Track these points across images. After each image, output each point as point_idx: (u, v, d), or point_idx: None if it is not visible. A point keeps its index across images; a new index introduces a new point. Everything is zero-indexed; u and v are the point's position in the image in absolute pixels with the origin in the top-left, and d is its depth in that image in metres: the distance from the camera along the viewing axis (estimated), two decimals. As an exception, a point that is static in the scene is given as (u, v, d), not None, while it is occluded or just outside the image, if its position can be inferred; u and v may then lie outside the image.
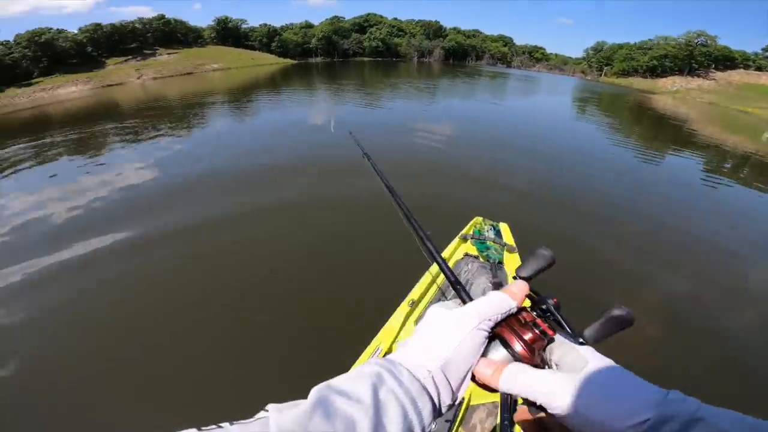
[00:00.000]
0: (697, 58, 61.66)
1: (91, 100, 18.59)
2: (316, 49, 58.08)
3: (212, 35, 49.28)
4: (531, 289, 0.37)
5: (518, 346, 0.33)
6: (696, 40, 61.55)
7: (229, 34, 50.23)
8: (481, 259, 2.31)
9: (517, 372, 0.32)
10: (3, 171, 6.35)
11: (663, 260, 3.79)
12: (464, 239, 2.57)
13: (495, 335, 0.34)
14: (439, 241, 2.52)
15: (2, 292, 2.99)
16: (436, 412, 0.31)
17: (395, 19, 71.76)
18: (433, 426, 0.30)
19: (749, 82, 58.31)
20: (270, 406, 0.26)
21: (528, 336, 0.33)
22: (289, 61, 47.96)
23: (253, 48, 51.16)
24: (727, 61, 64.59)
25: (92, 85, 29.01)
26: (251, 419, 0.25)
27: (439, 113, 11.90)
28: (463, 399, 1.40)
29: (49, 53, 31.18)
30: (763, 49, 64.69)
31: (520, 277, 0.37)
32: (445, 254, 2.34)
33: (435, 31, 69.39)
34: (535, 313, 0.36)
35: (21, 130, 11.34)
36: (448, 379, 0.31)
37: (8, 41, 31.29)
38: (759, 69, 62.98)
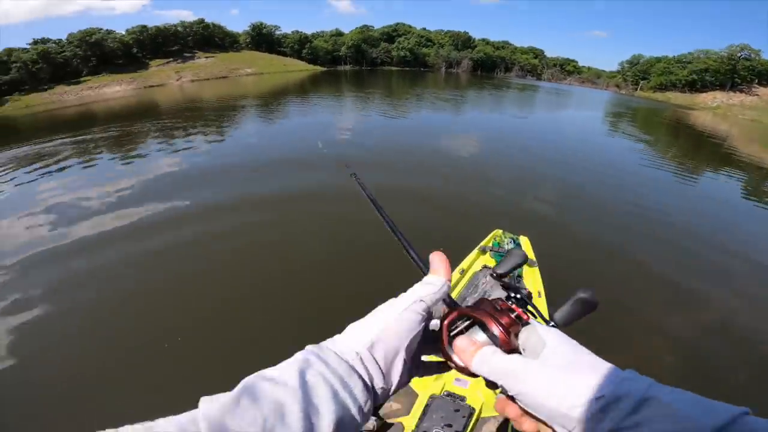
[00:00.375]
0: (739, 73, 58.60)
1: (133, 100, 19.73)
2: (345, 57, 59.28)
3: (247, 40, 51.34)
4: (505, 282, 0.40)
5: (496, 330, 0.33)
6: (739, 54, 58.66)
7: (263, 39, 52.14)
8: None
9: (490, 354, 0.33)
10: (60, 161, 6.92)
11: (703, 272, 3.62)
12: (483, 251, 2.57)
13: (475, 321, 0.36)
14: (458, 253, 2.55)
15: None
16: (370, 392, 0.31)
17: (424, 29, 72.34)
18: (369, 408, 0.31)
19: (800, 99, 54.80)
20: (202, 398, 0.25)
21: (504, 320, 0.34)
22: (318, 68, 49.18)
23: (284, 54, 52.87)
24: (769, 73, 61.05)
25: (135, 85, 30.77)
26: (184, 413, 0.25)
27: (465, 125, 11.86)
28: (474, 410, 1.40)
29: (98, 53, 33.34)
30: None
31: (497, 274, 0.42)
32: (463, 265, 2.36)
33: (464, 42, 69.40)
34: (510, 302, 0.38)
35: (67, 125, 12.16)
36: (375, 359, 0.32)
37: (61, 40, 33.58)
38: (810, 86, 59.14)
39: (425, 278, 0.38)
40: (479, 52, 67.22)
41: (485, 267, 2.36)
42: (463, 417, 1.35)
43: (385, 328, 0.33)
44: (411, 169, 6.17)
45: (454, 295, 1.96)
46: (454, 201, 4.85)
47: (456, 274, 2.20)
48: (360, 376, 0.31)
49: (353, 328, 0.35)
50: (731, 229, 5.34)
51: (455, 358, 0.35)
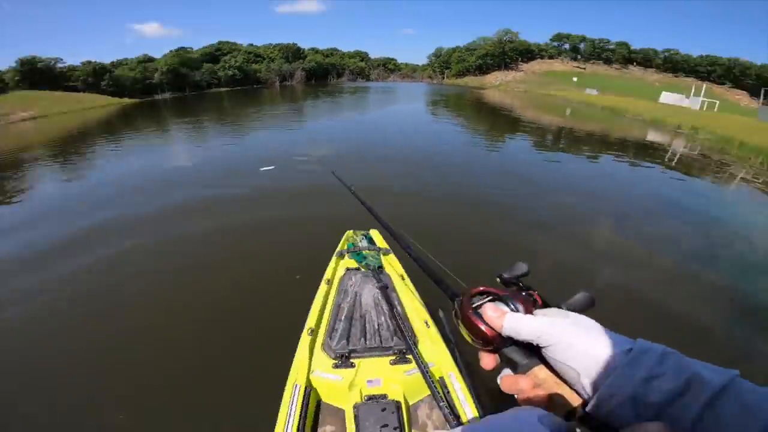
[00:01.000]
0: (508, 54, 76.33)
1: None
2: (161, 84, 52.13)
3: (16, 78, 39.83)
4: (504, 278, 0.46)
5: (520, 306, 0.39)
6: (504, 38, 76.05)
7: (40, 76, 41.27)
8: (362, 269, 2.37)
9: (520, 316, 0.37)
10: None
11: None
12: (341, 255, 2.60)
13: (497, 297, 0.41)
14: (319, 265, 2.53)
15: None
16: None
17: (251, 45, 69.61)
18: None
19: (546, 69, 75.07)
20: None
21: (522, 299, 0.40)
22: (127, 101, 41.95)
23: (75, 89, 43.08)
24: (528, 53, 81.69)
25: None
26: None
27: (305, 135, 12.02)
28: (399, 402, 1.40)
29: None
30: (551, 39, 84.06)
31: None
32: (327, 275, 2.35)
33: (294, 53, 69.77)
34: (523, 293, 0.44)
35: None
36: None
37: None
38: (551, 57, 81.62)
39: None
40: (310, 61, 68.72)
41: (348, 269, 2.38)
42: (393, 413, 1.35)
43: None
44: (259, 187, 5.97)
45: (328, 304, 1.99)
46: (307, 215, 4.91)
47: (323, 285, 2.20)
48: None
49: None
50: (534, 178, 7.07)
51: (482, 326, 0.38)
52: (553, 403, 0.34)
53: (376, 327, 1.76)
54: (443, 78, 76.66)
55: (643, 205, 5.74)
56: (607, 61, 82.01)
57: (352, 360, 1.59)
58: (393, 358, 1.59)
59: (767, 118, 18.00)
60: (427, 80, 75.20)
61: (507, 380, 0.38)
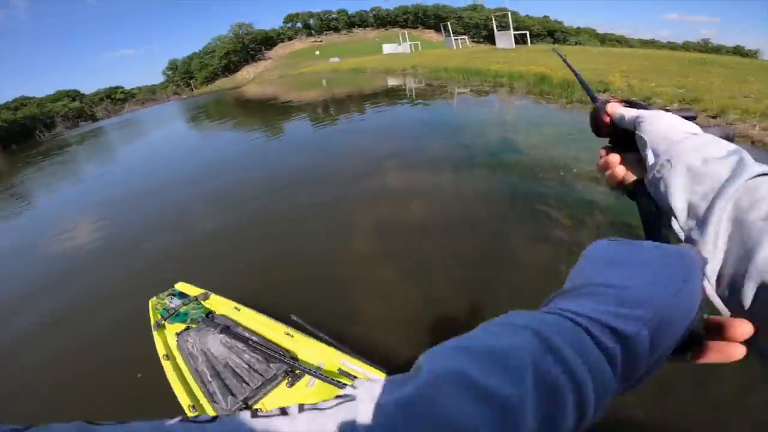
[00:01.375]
0: (249, 46, 75.30)
1: None
2: None
3: None
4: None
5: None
6: (241, 31, 74.34)
7: None
8: (192, 326, 2.09)
9: (629, 108, 0.41)
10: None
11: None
12: (160, 326, 2.21)
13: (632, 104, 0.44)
14: (146, 349, 2.08)
15: None
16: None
17: None
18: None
19: (290, 50, 78.31)
20: (359, 382, 0.21)
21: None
22: None
23: None
24: (268, 40, 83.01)
25: None
26: (334, 400, 0.21)
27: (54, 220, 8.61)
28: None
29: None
30: (284, 22, 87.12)
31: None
32: (161, 353, 1.99)
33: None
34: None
35: None
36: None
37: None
38: (290, 38, 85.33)
39: None
40: (-11, 124, 48.82)
41: (178, 334, 2.05)
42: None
43: None
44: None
45: (187, 376, 1.79)
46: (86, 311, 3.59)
47: (166, 363, 1.90)
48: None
49: None
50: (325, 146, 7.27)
51: (604, 116, 0.42)
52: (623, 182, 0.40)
53: (247, 366, 1.68)
54: (192, 89, 69.15)
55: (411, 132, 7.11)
56: (336, 30, 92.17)
57: (253, 408, 1.50)
58: (286, 381, 1.55)
59: (451, 46, 24.36)
60: (174, 98, 66.10)
61: (602, 158, 0.42)
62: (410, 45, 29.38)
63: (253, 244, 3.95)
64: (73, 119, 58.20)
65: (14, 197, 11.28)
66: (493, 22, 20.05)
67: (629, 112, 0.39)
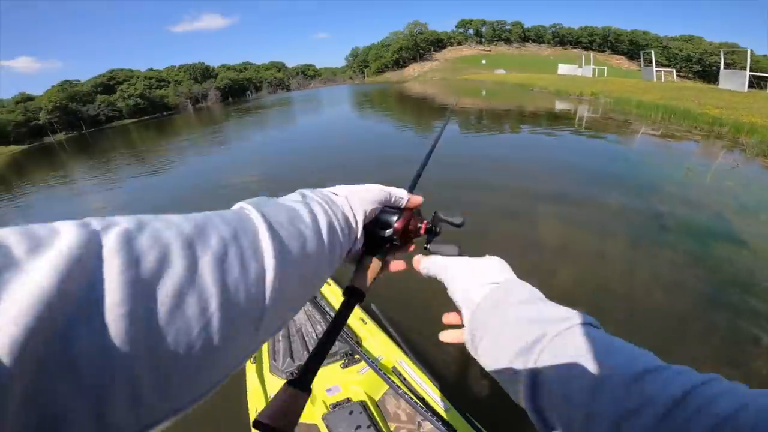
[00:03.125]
0: (420, 45, 79.66)
1: None
2: (50, 124, 45.79)
3: None
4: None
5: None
6: (415, 30, 79.29)
7: None
8: None
9: (431, 259, 0.42)
10: None
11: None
12: None
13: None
14: None
15: None
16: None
17: (151, 69, 63.79)
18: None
19: (457, 55, 79.49)
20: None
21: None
22: (14, 149, 36.03)
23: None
24: (438, 42, 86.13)
25: None
26: None
27: (244, 158, 11.17)
28: (364, 402, 1.41)
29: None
30: (456, 26, 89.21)
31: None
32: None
33: (202, 73, 65.54)
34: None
35: None
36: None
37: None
38: (459, 44, 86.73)
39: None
40: (223, 79, 65.09)
41: None
42: (361, 413, 1.34)
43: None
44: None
45: None
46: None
47: None
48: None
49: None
50: (476, 155, 7.20)
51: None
52: None
53: (315, 337, 1.77)
54: (364, 77, 77.39)
55: (574, 176, 6.10)
56: (507, 41, 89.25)
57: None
58: (342, 362, 1.60)
59: (649, 77, 20.77)
60: (348, 82, 75.33)
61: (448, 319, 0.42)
62: (594, 69, 26.16)
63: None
64: (275, 86, 72.44)
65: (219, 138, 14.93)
66: (721, 57, 16.20)
67: (430, 268, 0.41)
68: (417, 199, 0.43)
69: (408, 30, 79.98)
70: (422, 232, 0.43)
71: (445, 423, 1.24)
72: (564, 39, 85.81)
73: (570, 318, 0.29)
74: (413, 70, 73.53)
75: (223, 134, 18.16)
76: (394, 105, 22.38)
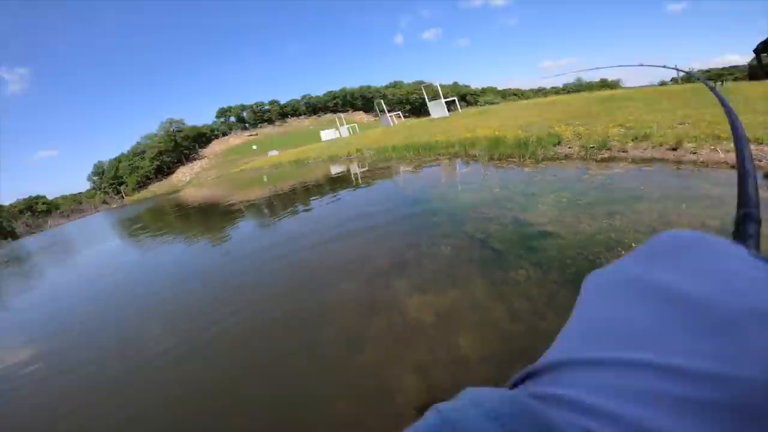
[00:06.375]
0: (182, 144, 74.28)
1: None
2: None
3: None
4: None
5: None
6: (171, 128, 73.25)
7: None
8: None
9: None
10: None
11: None
12: None
13: None
14: None
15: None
16: None
17: None
18: None
19: (226, 147, 78.81)
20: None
21: None
22: None
23: None
24: (202, 137, 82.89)
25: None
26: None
27: None
28: None
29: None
30: (216, 116, 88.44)
31: None
32: None
33: None
34: None
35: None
36: None
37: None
38: (224, 134, 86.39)
39: None
40: None
41: None
42: None
43: None
44: None
45: None
46: None
47: None
48: None
49: None
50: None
51: None
52: None
53: None
54: (123, 197, 65.15)
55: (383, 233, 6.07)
56: (270, 121, 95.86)
57: None
58: None
59: (388, 123, 25.85)
60: (103, 207, 61.43)
61: None
62: (348, 128, 30.78)
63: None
64: None
65: None
66: (424, 93, 21.89)
67: None
68: None
69: (163, 129, 73.37)
70: None
71: None
72: (315, 107, 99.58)
73: None
74: (183, 174, 67.74)
75: None
76: (174, 221, 18.96)
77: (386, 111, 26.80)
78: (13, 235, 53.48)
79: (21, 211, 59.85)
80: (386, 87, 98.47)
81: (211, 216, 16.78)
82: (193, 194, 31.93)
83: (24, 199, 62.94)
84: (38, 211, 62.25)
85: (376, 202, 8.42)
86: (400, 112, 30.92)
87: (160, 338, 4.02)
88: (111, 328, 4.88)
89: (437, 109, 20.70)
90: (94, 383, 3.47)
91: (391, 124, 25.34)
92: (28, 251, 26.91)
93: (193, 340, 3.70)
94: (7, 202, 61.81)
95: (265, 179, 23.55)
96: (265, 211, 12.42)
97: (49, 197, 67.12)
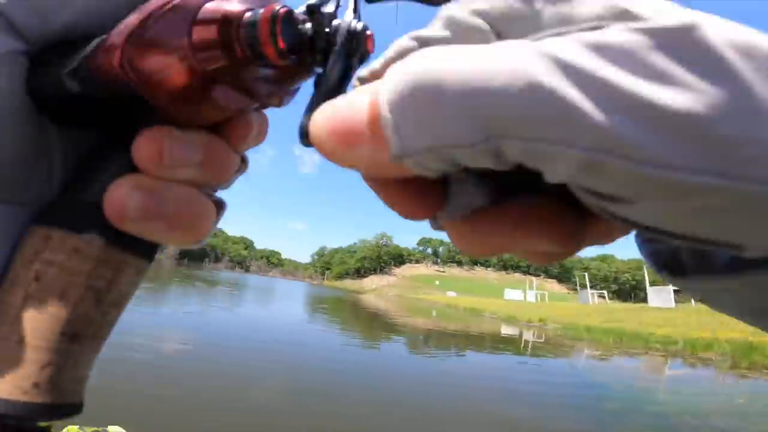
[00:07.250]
0: (383, 258, 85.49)
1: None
2: None
3: None
4: None
5: None
6: (381, 242, 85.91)
7: None
8: None
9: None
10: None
11: None
12: None
13: None
14: None
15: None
16: None
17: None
18: None
19: (414, 273, 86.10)
20: None
21: None
22: None
23: None
24: (399, 257, 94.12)
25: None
26: None
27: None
28: None
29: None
30: (417, 244, 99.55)
31: None
32: None
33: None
34: None
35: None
36: None
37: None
38: (417, 261, 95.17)
39: None
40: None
41: None
42: None
43: None
44: None
45: None
46: None
47: None
48: None
49: None
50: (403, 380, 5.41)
51: None
52: None
53: None
54: (323, 279, 79.45)
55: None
56: (459, 264, 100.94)
57: None
58: None
59: (586, 300, 22.34)
60: (307, 280, 76.51)
61: None
62: (536, 294, 28.39)
63: None
64: (235, 263, 71.83)
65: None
66: (645, 274, 17.97)
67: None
68: None
69: (375, 241, 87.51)
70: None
71: None
72: (507, 264, 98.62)
73: None
74: (372, 281, 76.93)
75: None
76: (347, 317, 21.41)
77: (588, 286, 23.43)
78: (248, 269, 73.71)
79: (261, 257, 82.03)
80: (593, 258, 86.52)
81: (373, 325, 17.90)
82: (371, 301, 35.60)
83: (267, 250, 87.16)
84: (272, 262, 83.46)
85: (549, 383, 6.80)
86: (605, 292, 26.38)
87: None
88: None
89: (660, 297, 16.30)
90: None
91: (590, 302, 21.64)
92: (248, 283, 36.17)
93: None
94: (258, 245, 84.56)
95: (434, 313, 23.81)
96: (419, 338, 12.16)
97: (282, 255, 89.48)
